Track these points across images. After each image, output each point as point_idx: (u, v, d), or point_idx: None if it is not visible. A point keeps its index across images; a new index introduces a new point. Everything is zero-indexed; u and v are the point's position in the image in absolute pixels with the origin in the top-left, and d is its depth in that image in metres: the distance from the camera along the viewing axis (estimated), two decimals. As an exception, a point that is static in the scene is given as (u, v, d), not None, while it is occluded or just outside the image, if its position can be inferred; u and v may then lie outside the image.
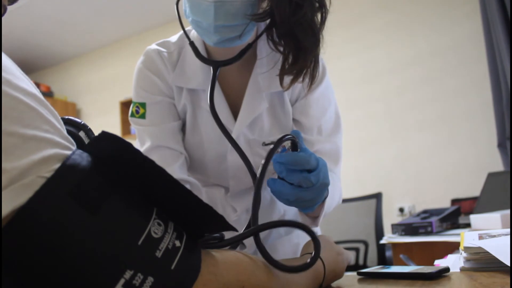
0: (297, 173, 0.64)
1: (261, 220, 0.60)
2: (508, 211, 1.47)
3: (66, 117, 0.48)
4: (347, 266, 0.71)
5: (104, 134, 0.38)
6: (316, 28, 0.75)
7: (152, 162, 0.39)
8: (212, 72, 0.82)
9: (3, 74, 0.35)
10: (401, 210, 3.03)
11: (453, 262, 0.82)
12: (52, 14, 3.82)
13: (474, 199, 2.37)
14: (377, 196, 2.70)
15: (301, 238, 1.02)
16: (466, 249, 0.66)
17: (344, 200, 2.78)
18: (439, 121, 2.98)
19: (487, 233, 0.74)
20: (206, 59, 0.84)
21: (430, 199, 2.87)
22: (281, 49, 0.78)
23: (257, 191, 0.60)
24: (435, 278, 0.61)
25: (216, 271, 0.43)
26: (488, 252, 0.62)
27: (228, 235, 0.54)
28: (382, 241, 1.86)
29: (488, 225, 1.47)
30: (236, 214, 0.96)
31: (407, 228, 1.72)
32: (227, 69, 0.86)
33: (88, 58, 4.71)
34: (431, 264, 0.84)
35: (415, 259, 1.61)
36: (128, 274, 0.35)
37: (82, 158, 0.37)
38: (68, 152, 0.37)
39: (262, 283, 0.48)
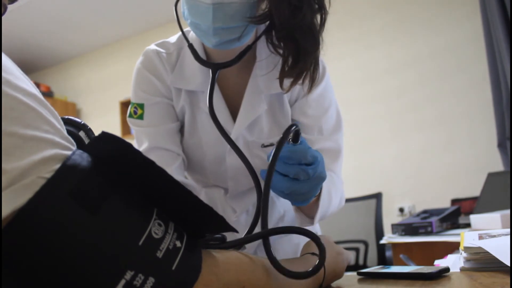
0: (295, 166, 0.63)
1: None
2: (508, 211, 1.47)
3: (66, 117, 0.48)
4: (347, 266, 0.71)
5: (104, 134, 0.38)
6: (315, 30, 0.74)
7: (152, 163, 0.39)
8: (211, 74, 0.82)
9: (3, 74, 0.35)
10: (401, 210, 3.03)
11: (453, 262, 0.82)
12: (52, 14, 3.82)
13: (474, 199, 2.37)
14: (377, 196, 2.70)
15: (301, 238, 1.01)
16: (466, 249, 0.66)
17: (344, 200, 2.78)
18: (439, 121, 2.98)
19: (487, 233, 0.74)
20: (205, 62, 0.83)
21: (430, 199, 2.87)
22: (281, 51, 0.77)
23: (266, 192, 0.59)
24: (435, 278, 0.61)
25: (216, 271, 0.43)
26: (488, 252, 0.62)
27: (228, 235, 0.54)
28: (382, 241, 1.86)
29: (488, 225, 1.47)
30: (236, 215, 0.96)
31: (407, 228, 1.72)
32: (226, 70, 0.86)
33: (88, 58, 4.71)
34: (431, 264, 0.84)
35: (415, 259, 1.61)
36: (129, 275, 0.35)
37: (82, 158, 0.37)
38: (68, 153, 0.37)
39: (262, 283, 0.48)
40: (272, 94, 0.89)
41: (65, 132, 0.39)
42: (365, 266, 2.52)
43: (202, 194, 1.00)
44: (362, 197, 2.77)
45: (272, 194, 0.99)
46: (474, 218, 1.58)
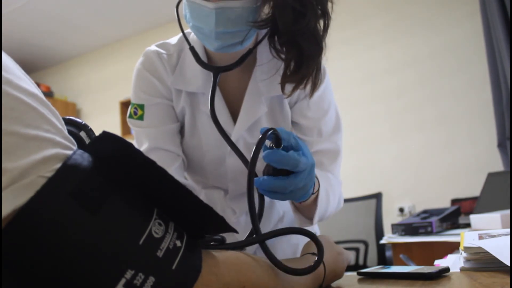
0: (287, 156, 0.61)
1: (261, 222, 0.60)
2: (508, 211, 1.47)
3: (67, 117, 0.48)
4: (347, 266, 0.71)
5: (105, 134, 0.38)
6: (319, 36, 0.74)
7: (153, 163, 0.39)
8: (212, 77, 0.82)
9: (4, 74, 0.35)
10: (401, 210, 3.03)
11: (453, 262, 0.82)
12: (52, 14, 3.82)
13: (474, 199, 2.37)
14: (377, 196, 2.70)
15: (300, 238, 1.02)
16: (466, 249, 0.66)
17: (344, 200, 2.76)
18: (439, 121, 2.98)
19: (487, 233, 0.74)
20: (207, 65, 0.83)
21: (430, 199, 2.87)
22: (283, 56, 0.77)
23: (250, 195, 0.58)
24: (435, 278, 0.61)
25: (217, 271, 0.43)
26: (488, 252, 0.62)
27: (228, 236, 0.54)
28: (382, 241, 1.86)
29: (488, 225, 1.47)
30: (235, 216, 0.97)
31: (407, 228, 1.72)
32: (227, 73, 0.86)
33: (88, 58, 4.71)
34: (431, 264, 0.84)
35: (415, 259, 1.61)
36: (129, 274, 0.35)
37: (83, 158, 0.37)
38: (69, 152, 0.37)
39: (262, 283, 0.48)
40: (272, 96, 0.89)
41: (66, 132, 0.39)
42: (365, 266, 2.52)
43: (202, 195, 1.00)
44: (362, 197, 2.77)
45: None
46: (474, 218, 1.58)
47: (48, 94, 4.60)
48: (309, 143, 0.90)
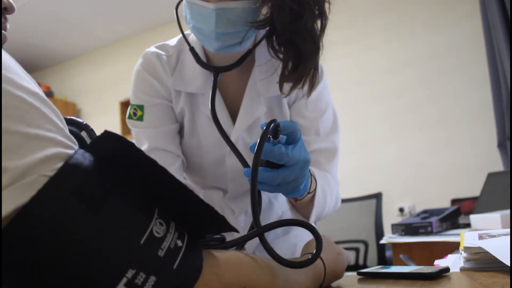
0: (276, 148, 0.61)
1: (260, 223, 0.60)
2: (508, 211, 1.47)
3: (68, 117, 0.48)
4: (347, 266, 0.71)
5: (106, 133, 0.39)
6: (316, 36, 0.75)
7: (154, 162, 0.39)
8: (212, 77, 0.83)
9: (6, 73, 0.36)
10: (401, 210, 3.03)
11: (453, 262, 0.82)
12: (52, 14, 3.82)
13: (474, 199, 2.37)
14: (377, 196, 2.71)
15: (298, 238, 1.02)
16: (466, 249, 0.66)
17: (344, 200, 2.79)
18: (439, 121, 2.98)
19: (487, 233, 0.74)
20: (207, 65, 0.84)
21: (430, 199, 2.87)
22: (281, 56, 0.78)
23: (253, 187, 0.58)
24: (435, 278, 0.61)
25: (217, 271, 0.43)
26: (488, 252, 0.62)
27: (228, 236, 0.54)
28: (382, 241, 1.86)
29: (488, 225, 1.48)
30: (234, 216, 0.97)
31: (407, 228, 1.72)
32: (226, 74, 0.87)
33: (88, 58, 4.71)
34: (431, 264, 0.84)
35: (415, 259, 1.61)
36: (130, 273, 0.35)
37: (85, 157, 0.37)
38: (71, 151, 0.37)
39: (263, 283, 0.48)
40: (271, 96, 0.90)
41: (67, 131, 0.39)
42: (365, 266, 2.52)
43: (201, 196, 1.00)
44: (362, 197, 2.77)
45: (270, 196, 1.00)
46: (474, 218, 1.58)
47: (48, 94, 4.60)
48: (306, 143, 0.90)
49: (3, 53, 0.37)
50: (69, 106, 4.68)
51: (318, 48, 0.76)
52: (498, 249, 0.62)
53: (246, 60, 0.84)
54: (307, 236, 1.04)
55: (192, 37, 0.89)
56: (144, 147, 0.88)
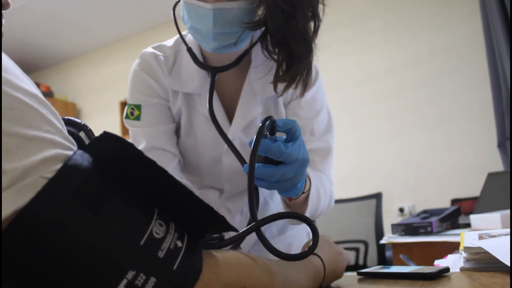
0: (275, 145, 0.62)
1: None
2: (508, 211, 1.47)
3: (67, 117, 0.48)
4: (347, 266, 0.71)
5: (106, 134, 0.38)
6: (308, 37, 0.76)
7: (153, 162, 0.39)
8: (210, 77, 0.84)
9: (3, 74, 0.35)
10: (401, 210, 3.03)
11: (453, 262, 0.82)
12: (52, 14, 3.82)
13: (474, 199, 2.37)
14: (377, 196, 2.71)
15: (294, 238, 1.03)
16: (466, 249, 0.66)
17: (344, 200, 2.79)
18: (439, 121, 2.98)
19: (487, 233, 0.74)
20: (205, 65, 0.85)
21: (430, 199, 2.87)
22: (275, 57, 0.79)
23: (250, 181, 0.59)
24: (435, 278, 0.61)
25: (217, 271, 0.43)
26: (488, 252, 0.62)
27: (227, 236, 0.54)
28: (382, 241, 1.86)
29: (488, 225, 1.47)
30: (231, 216, 0.97)
31: (407, 228, 1.72)
32: (222, 74, 0.87)
33: (88, 58, 4.71)
34: (431, 264, 0.84)
35: (415, 259, 1.61)
36: (130, 275, 0.35)
37: (83, 158, 0.37)
38: (70, 153, 0.37)
39: (262, 283, 0.48)
40: (267, 96, 0.90)
41: (66, 132, 0.39)
42: (365, 266, 2.52)
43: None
44: (362, 197, 2.77)
45: (265, 195, 1.00)
46: (474, 218, 1.58)
47: (48, 94, 4.60)
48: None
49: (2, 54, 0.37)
50: (69, 106, 4.68)
51: (310, 48, 0.77)
52: (498, 249, 0.62)
53: (242, 61, 0.85)
54: (303, 236, 1.05)
55: (189, 38, 0.90)
56: (141, 146, 0.89)
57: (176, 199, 0.42)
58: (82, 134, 0.47)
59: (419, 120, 3.05)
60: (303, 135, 0.91)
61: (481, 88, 2.83)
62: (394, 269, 0.69)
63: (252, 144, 0.59)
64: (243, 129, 0.90)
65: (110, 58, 4.54)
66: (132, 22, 4.13)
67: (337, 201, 2.74)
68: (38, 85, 4.51)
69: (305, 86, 0.82)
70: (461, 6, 2.97)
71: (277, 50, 0.78)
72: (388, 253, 2.42)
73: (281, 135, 0.65)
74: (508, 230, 0.75)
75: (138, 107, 0.89)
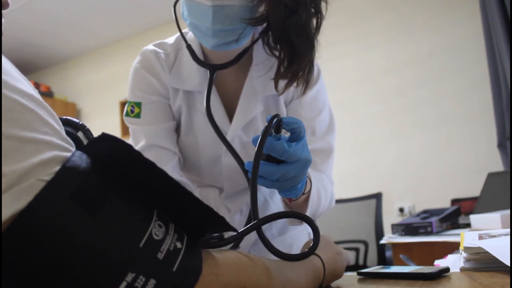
0: (279, 143, 0.62)
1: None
2: (508, 211, 1.47)
3: (64, 117, 0.48)
4: (347, 266, 0.71)
5: (104, 135, 0.38)
6: (311, 33, 0.75)
7: (152, 164, 0.39)
8: (208, 75, 0.83)
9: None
10: (401, 210, 3.03)
11: (453, 262, 0.82)
12: (52, 14, 3.81)
13: (474, 199, 2.37)
14: (377, 196, 2.70)
15: (294, 239, 1.02)
16: (466, 249, 0.66)
17: (344, 200, 2.79)
18: (439, 121, 2.98)
19: (487, 233, 0.74)
20: (203, 63, 0.85)
21: (430, 199, 2.87)
22: (276, 53, 0.78)
23: (253, 180, 0.59)
24: (435, 278, 0.61)
25: (217, 271, 0.43)
26: (488, 252, 0.62)
27: (226, 235, 0.54)
28: (382, 241, 1.86)
29: (488, 225, 1.47)
30: (230, 215, 0.97)
31: (407, 228, 1.72)
32: (223, 72, 0.87)
33: (88, 58, 4.71)
34: (431, 264, 0.84)
35: (415, 259, 1.61)
36: (130, 277, 0.35)
37: (82, 160, 0.37)
38: (68, 154, 0.36)
39: (263, 283, 0.48)
40: (268, 95, 0.90)
41: (63, 133, 0.39)
42: (365, 266, 2.51)
43: (196, 194, 1.00)
44: (362, 197, 2.77)
45: (265, 195, 1.00)
46: (474, 218, 1.58)
47: (48, 94, 4.60)
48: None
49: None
50: (69, 106, 4.68)
51: (313, 45, 0.76)
52: (498, 249, 0.62)
53: (243, 59, 0.85)
54: (303, 236, 1.05)
55: (190, 35, 0.90)
56: (141, 144, 0.88)
57: (175, 200, 0.41)
58: (80, 134, 0.47)
59: (419, 120, 3.05)
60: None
61: (481, 88, 2.83)
62: (394, 269, 0.69)
63: (258, 142, 0.59)
64: (243, 127, 0.90)
65: (110, 58, 4.53)
66: (132, 22, 4.13)
67: (337, 201, 2.74)
68: (38, 85, 4.51)
69: (307, 84, 0.81)
70: (461, 6, 2.97)
71: (278, 46, 0.78)
72: (388, 253, 2.42)
73: (284, 134, 0.65)
74: (508, 230, 0.75)
75: (139, 104, 0.89)
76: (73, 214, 0.34)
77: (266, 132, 0.59)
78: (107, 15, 3.95)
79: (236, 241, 0.53)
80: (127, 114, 0.90)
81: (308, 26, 0.74)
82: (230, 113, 0.90)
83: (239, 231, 0.53)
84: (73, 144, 0.39)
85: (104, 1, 3.69)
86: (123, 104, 4.27)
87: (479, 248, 0.64)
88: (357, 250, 2.55)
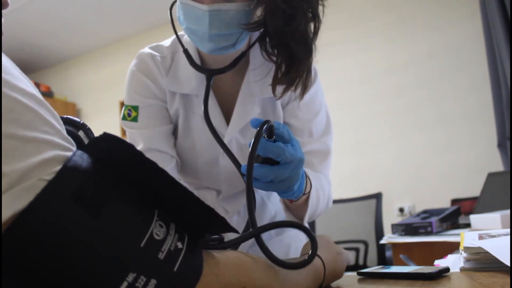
0: (272, 145, 0.63)
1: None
2: (508, 211, 1.47)
3: (65, 116, 0.47)
4: (347, 266, 0.71)
5: (105, 135, 0.38)
6: (309, 39, 0.75)
7: (153, 164, 0.39)
8: (206, 80, 0.83)
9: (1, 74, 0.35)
10: (401, 210, 3.03)
11: (453, 262, 0.82)
12: (52, 14, 3.81)
13: (474, 199, 2.37)
14: (377, 196, 2.71)
15: (292, 239, 1.02)
16: (466, 249, 0.66)
17: (344, 200, 2.79)
18: (439, 121, 2.98)
19: (487, 233, 0.74)
20: (200, 67, 0.84)
21: (430, 199, 2.87)
22: (274, 58, 0.78)
23: (248, 185, 0.59)
24: (435, 278, 0.61)
25: (217, 271, 0.43)
26: (488, 252, 0.62)
27: (226, 236, 0.54)
28: (382, 241, 1.86)
29: (488, 225, 1.47)
30: (228, 216, 0.97)
31: (407, 228, 1.72)
32: (220, 75, 0.86)
33: (88, 58, 4.71)
34: (431, 264, 0.84)
35: (415, 259, 1.61)
36: (131, 277, 0.35)
37: (83, 159, 0.37)
38: (69, 154, 0.36)
39: (263, 283, 0.48)
40: (265, 98, 0.90)
41: (64, 133, 0.39)
42: (365, 266, 2.52)
43: None
44: (362, 197, 2.77)
45: (263, 195, 1.00)
46: (474, 218, 1.58)
47: (48, 94, 4.60)
48: (300, 144, 0.90)
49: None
50: (69, 106, 4.68)
51: (310, 50, 0.76)
52: (498, 249, 0.62)
53: (241, 63, 0.84)
54: (301, 236, 1.05)
55: (186, 38, 0.89)
56: (139, 148, 0.88)
57: (176, 200, 0.41)
58: (81, 133, 0.47)
59: (419, 120, 3.05)
60: (301, 137, 0.91)
61: (481, 88, 2.83)
62: (394, 269, 0.69)
63: (250, 146, 0.59)
64: (240, 130, 0.90)
65: (110, 58, 4.53)
66: (132, 22, 4.12)
67: (337, 201, 2.74)
68: (38, 85, 4.51)
69: (305, 89, 0.81)
70: (461, 6, 2.97)
71: (276, 51, 0.77)
72: (388, 253, 2.42)
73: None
74: (508, 230, 0.75)
75: (136, 108, 0.89)
76: (74, 214, 0.34)
77: (258, 135, 0.59)
78: (107, 15, 3.95)
79: (233, 246, 0.53)
80: (124, 118, 0.90)
81: (306, 31, 0.74)
82: (227, 116, 0.90)
83: (238, 236, 0.53)
84: (74, 144, 0.39)
85: (104, 1, 3.69)
86: (123, 104, 4.25)
87: (479, 248, 0.64)
88: (357, 250, 2.55)
